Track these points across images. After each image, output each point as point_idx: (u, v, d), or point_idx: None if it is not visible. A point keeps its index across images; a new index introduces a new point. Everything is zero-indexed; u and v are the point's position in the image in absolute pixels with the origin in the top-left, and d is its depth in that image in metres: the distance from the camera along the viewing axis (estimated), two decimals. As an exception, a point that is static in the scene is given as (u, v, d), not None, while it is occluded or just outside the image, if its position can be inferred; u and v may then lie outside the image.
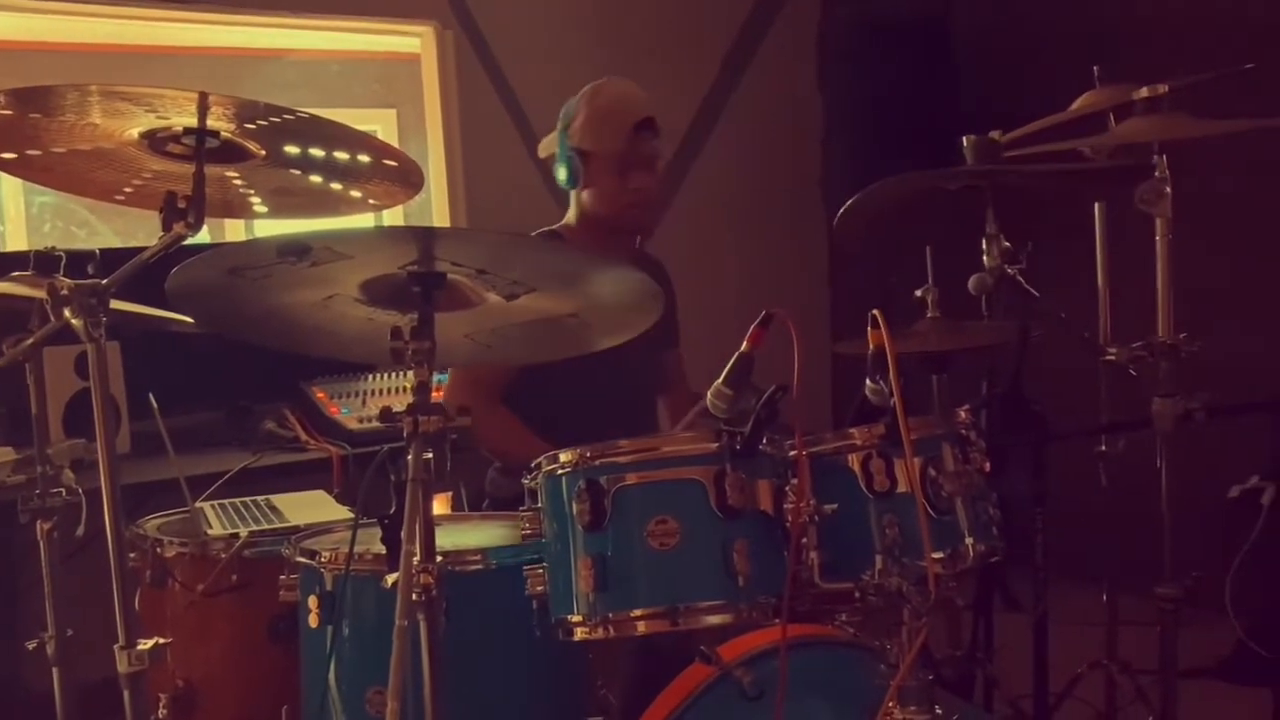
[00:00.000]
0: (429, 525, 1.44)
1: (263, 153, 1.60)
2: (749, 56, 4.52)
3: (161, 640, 1.58)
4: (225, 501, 2.27)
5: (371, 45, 3.84)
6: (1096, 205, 2.51)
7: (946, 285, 2.10)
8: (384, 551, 1.49)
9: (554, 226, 2.58)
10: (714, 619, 1.53)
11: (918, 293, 2.09)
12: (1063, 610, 2.48)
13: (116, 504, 1.54)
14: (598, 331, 1.71)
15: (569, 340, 1.72)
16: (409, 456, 1.42)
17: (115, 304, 1.55)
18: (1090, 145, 2.34)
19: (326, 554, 1.79)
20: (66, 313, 1.51)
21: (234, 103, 1.48)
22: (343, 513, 2.16)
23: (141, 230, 3.25)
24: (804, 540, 1.52)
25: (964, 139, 2.16)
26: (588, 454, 1.56)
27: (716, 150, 4.44)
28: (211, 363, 2.55)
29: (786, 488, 1.54)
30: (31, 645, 1.76)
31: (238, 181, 1.69)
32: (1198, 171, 2.33)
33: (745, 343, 1.66)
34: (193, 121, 1.50)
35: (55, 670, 1.76)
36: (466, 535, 1.97)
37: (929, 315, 2.08)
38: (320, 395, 3.02)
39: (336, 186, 1.71)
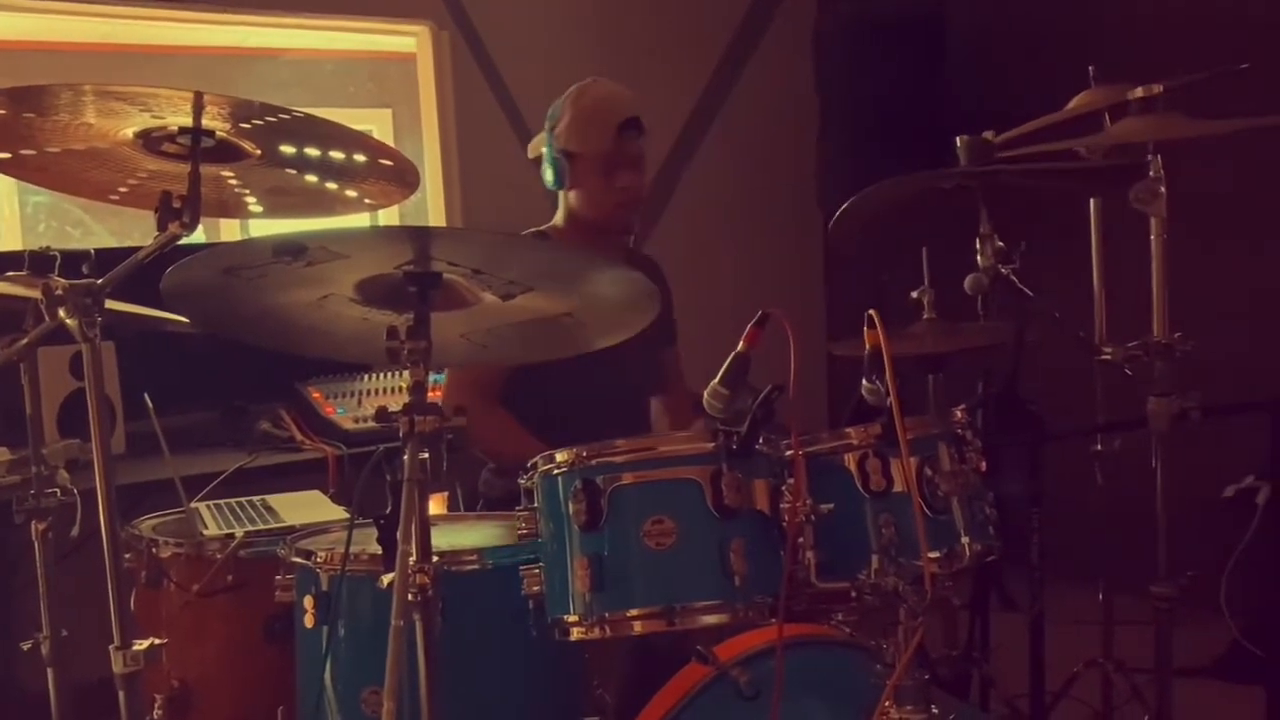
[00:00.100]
0: (425, 525, 1.43)
1: (258, 152, 1.60)
2: (745, 56, 4.52)
3: (157, 640, 1.57)
4: (221, 502, 2.27)
5: (367, 45, 3.84)
6: (1092, 205, 2.51)
7: (942, 286, 2.10)
8: (380, 551, 1.49)
9: (542, 227, 2.58)
10: (710, 619, 1.53)
11: (913, 294, 2.09)
12: (1059, 609, 2.48)
13: (111, 504, 1.53)
14: (593, 331, 1.71)
15: (565, 340, 1.72)
16: (405, 456, 1.42)
17: (110, 304, 1.54)
18: (1085, 145, 2.34)
19: (322, 554, 1.79)
20: (61, 313, 1.51)
21: (229, 102, 1.47)
22: (338, 513, 2.15)
23: (136, 230, 3.25)
24: (800, 540, 1.52)
25: (957, 140, 2.16)
26: (584, 454, 1.56)
27: (713, 149, 4.44)
28: (207, 363, 2.55)
29: (783, 487, 1.55)
30: (26, 646, 1.75)
31: (233, 181, 1.69)
32: (1192, 171, 2.34)
33: (741, 342, 1.67)
34: (188, 121, 1.50)
35: (50, 671, 1.75)
36: (462, 535, 1.96)
37: (925, 316, 2.08)
38: (316, 395, 3.01)
39: (332, 186, 1.70)
